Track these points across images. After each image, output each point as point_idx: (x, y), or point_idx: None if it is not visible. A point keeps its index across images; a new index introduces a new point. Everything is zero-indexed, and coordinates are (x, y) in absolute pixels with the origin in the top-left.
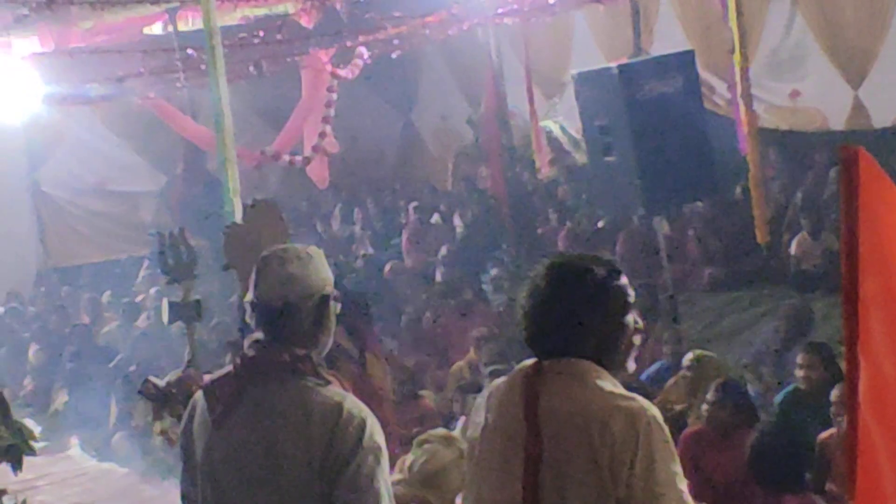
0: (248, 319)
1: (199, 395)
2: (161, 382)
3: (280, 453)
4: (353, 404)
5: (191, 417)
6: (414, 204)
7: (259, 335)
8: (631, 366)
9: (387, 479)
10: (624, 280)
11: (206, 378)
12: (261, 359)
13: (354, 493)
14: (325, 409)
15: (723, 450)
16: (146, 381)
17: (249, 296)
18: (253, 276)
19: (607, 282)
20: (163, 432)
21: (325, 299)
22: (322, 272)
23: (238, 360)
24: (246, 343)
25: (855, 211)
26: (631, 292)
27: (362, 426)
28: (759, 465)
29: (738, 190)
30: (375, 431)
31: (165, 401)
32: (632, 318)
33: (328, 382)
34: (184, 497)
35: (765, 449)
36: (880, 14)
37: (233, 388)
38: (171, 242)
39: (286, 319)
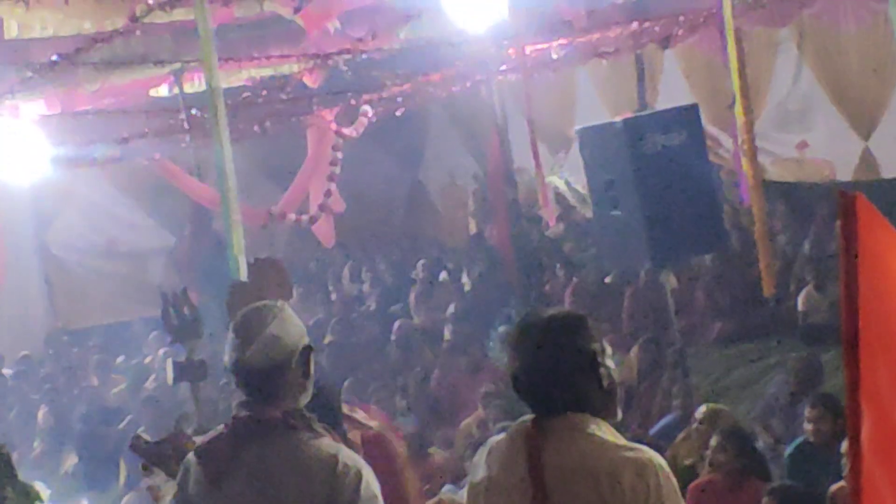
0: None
1: (190, 458)
2: (150, 439)
3: None
4: (348, 456)
5: (185, 481)
6: (422, 261)
7: (246, 396)
8: (619, 413)
9: None
10: (592, 328)
11: (199, 440)
12: (253, 418)
13: None
14: (321, 462)
15: (731, 500)
16: (136, 436)
17: (229, 359)
18: (232, 339)
19: (579, 333)
20: (151, 489)
21: (306, 350)
22: (297, 324)
23: (231, 422)
24: (234, 404)
25: (854, 257)
26: (602, 339)
27: (359, 477)
28: None
29: (740, 241)
30: (371, 481)
31: (155, 457)
32: (610, 362)
33: (321, 435)
34: None
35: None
36: (887, 63)
37: (228, 449)
38: (174, 302)
39: (275, 379)
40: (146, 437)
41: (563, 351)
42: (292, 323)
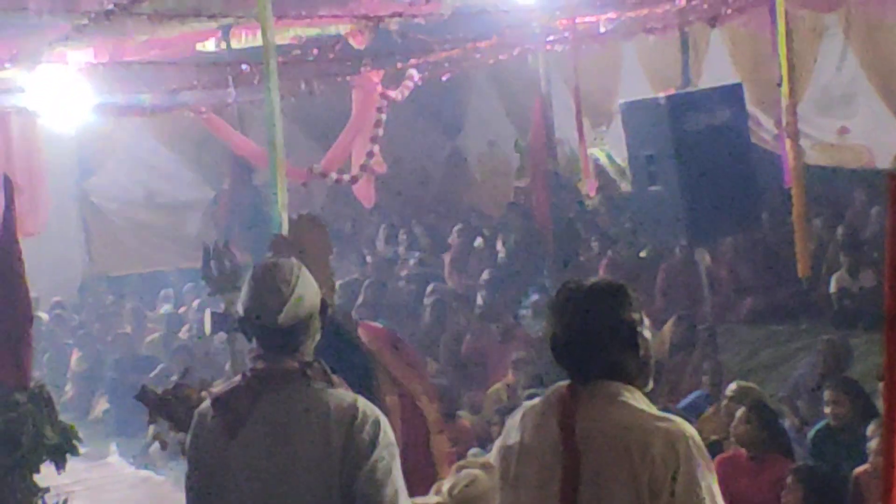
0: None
1: (205, 407)
2: (158, 390)
3: (300, 455)
4: (366, 405)
5: (199, 429)
6: (458, 227)
7: (264, 350)
8: (651, 383)
9: (401, 475)
10: (633, 298)
11: (214, 391)
12: (271, 369)
13: (374, 487)
14: (340, 410)
15: (755, 474)
16: (143, 387)
17: (244, 311)
18: (252, 294)
19: (621, 302)
20: (157, 437)
21: (324, 306)
22: (313, 281)
23: (248, 373)
24: (249, 356)
25: None
26: (641, 310)
27: (377, 425)
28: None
29: (774, 221)
30: (388, 430)
31: (161, 407)
32: (648, 332)
33: (337, 385)
34: None
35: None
36: None
37: (246, 399)
38: (215, 254)
39: (299, 335)
40: (153, 387)
41: (604, 319)
42: (310, 281)
